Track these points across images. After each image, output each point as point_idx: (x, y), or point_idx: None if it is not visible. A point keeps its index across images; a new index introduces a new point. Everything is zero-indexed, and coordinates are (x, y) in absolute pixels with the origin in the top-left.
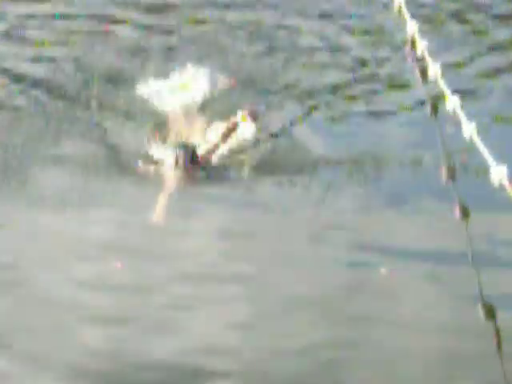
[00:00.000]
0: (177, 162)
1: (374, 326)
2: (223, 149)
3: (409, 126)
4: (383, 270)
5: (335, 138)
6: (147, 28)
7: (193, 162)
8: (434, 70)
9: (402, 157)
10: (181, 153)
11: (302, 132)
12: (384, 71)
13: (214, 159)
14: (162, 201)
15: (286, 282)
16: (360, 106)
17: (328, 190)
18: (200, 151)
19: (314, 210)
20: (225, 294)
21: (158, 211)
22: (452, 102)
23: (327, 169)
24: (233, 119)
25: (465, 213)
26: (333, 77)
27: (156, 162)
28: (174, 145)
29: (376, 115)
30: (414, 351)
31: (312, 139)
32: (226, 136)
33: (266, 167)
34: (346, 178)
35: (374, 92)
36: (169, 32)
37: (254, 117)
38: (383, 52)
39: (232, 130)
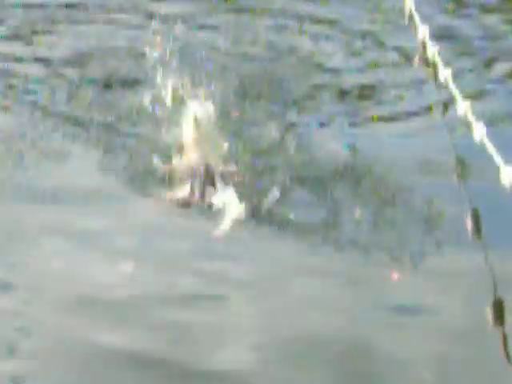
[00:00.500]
0: (192, 192)
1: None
2: None
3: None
4: (394, 274)
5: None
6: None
7: (209, 193)
8: (446, 74)
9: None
10: (198, 183)
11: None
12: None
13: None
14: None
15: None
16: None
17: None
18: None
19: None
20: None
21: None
22: (463, 106)
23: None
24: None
25: (477, 226)
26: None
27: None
28: (194, 169)
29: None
30: None
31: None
32: None
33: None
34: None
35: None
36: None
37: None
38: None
39: None
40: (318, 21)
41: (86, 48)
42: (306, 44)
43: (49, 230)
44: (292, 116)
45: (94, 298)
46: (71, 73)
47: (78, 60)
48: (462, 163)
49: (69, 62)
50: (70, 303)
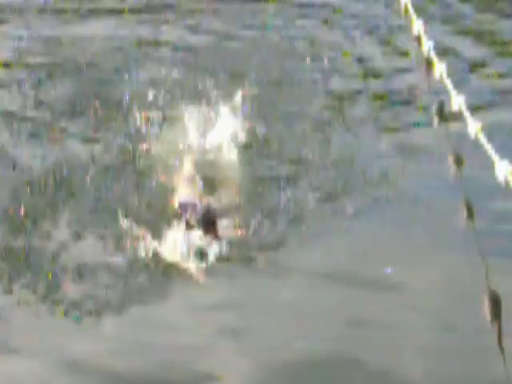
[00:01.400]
0: (187, 223)
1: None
2: None
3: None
4: (388, 271)
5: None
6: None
7: (208, 224)
8: (440, 69)
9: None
10: (193, 212)
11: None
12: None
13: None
14: (190, 265)
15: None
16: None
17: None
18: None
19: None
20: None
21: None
22: (457, 101)
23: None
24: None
25: (470, 213)
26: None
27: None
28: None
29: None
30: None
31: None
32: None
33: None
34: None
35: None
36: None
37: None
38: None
39: None
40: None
41: None
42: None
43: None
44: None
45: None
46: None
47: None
48: (458, 159)
49: None
50: None
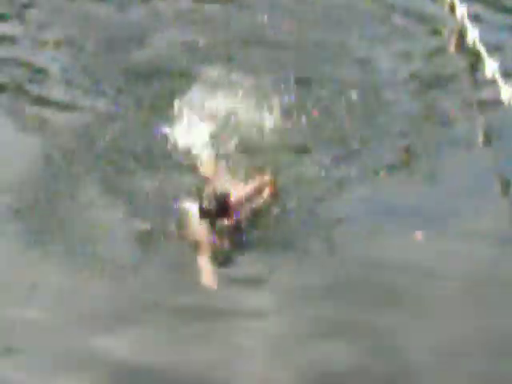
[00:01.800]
0: (201, 212)
1: None
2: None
3: None
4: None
5: None
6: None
7: (222, 212)
8: (473, 35)
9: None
10: (205, 201)
11: None
12: None
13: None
14: (205, 264)
15: None
16: None
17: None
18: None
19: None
20: None
21: (207, 275)
22: (491, 68)
23: None
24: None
25: (506, 187)
26: None
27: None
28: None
29: None
30: None
31: None
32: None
33: None
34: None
35: None
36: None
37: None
38: None
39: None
40: None
41: None
42: None
43: None
44: None
45: None
46: None
47: None
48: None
49: None
50: None
